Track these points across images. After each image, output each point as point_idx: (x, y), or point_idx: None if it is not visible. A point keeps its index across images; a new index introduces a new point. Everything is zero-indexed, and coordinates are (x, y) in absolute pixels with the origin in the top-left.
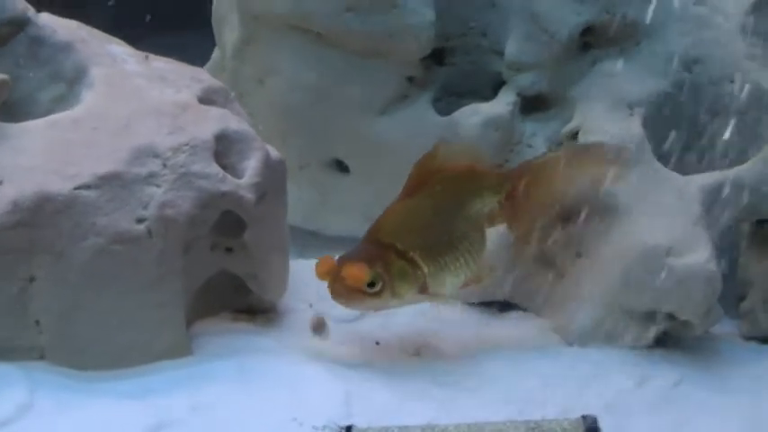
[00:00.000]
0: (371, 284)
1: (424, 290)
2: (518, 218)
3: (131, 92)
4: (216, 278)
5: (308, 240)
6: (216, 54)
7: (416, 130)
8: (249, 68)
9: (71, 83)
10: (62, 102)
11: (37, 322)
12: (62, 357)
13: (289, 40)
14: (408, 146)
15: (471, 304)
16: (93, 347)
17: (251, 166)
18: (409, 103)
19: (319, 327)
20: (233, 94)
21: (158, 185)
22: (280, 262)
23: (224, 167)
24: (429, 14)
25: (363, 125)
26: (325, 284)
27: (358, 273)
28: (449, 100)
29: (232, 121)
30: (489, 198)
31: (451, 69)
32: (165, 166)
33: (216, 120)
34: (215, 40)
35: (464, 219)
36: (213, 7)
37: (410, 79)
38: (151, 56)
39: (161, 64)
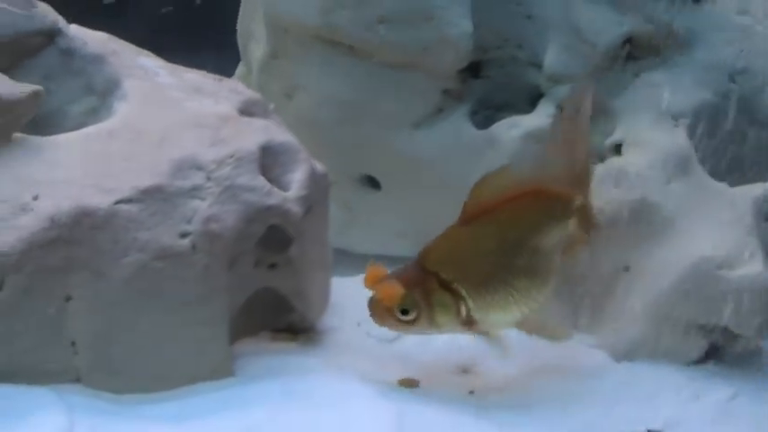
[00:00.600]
0: (405, 312)
1: (469, 323)
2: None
3: (167, 104)
4: (255, 296)
5: (338, 258)
6: (240, 70)
7: (453, 144)
8: (276, 83)
9: (103, 95)
10: (93, 115)
11: (73, 343)
12: (99, 380)
13: (318, 53)
14: (444, 160)
15: None
16: (132, 369)
17: (297, 179)
18: (445, 117)
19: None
20: (272, 106)
21: (203, 199)
22: (323, 278)
23: (269, 180)
24: (467, 26)
25: (396, 140)
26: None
27: (391, 293)
28: (485, 113)
29: (276, 132)
30: (562, 224)
31: (487, 82)
32: (209, 178)
33: (260, 131)
34: (231, 58)
35: (528, 252)
36: (238, 21)
37: (446, 92)
38: (187, 69)
39: (194, 76)
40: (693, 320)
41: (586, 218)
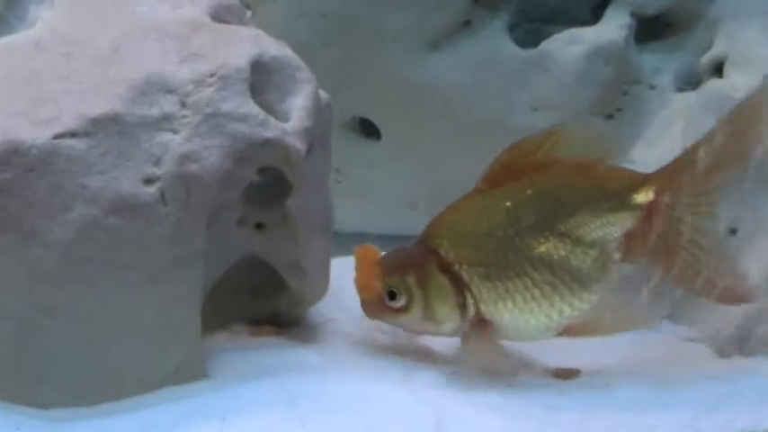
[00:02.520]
0: (393, 296)
1: (478, 322)
2: (666, 248)
3: (110, 6)
4: (230, 272)
5: None
6: None
7: (486, 68)
8: None
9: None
10: None
11: None
12: (18, 391)
13: None
14: (473, 92)
15: None
16: (68, 373)
17: (298, 105)
18: (474, 33)
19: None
20: (249, 13)
21: (175, 131)
22: (323, 245)
23: (260, 107)
24: None
25: (405, 66)
26: None
27: (369, 276)
28: (529, 26)
29: (269, 44)
30: (613, 214)
31: None
32: (183, 104)
33: (247, 42)
34: None
35: (560, 238)
36: None
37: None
38: None
39: None
40: None
41: (651, 221)
